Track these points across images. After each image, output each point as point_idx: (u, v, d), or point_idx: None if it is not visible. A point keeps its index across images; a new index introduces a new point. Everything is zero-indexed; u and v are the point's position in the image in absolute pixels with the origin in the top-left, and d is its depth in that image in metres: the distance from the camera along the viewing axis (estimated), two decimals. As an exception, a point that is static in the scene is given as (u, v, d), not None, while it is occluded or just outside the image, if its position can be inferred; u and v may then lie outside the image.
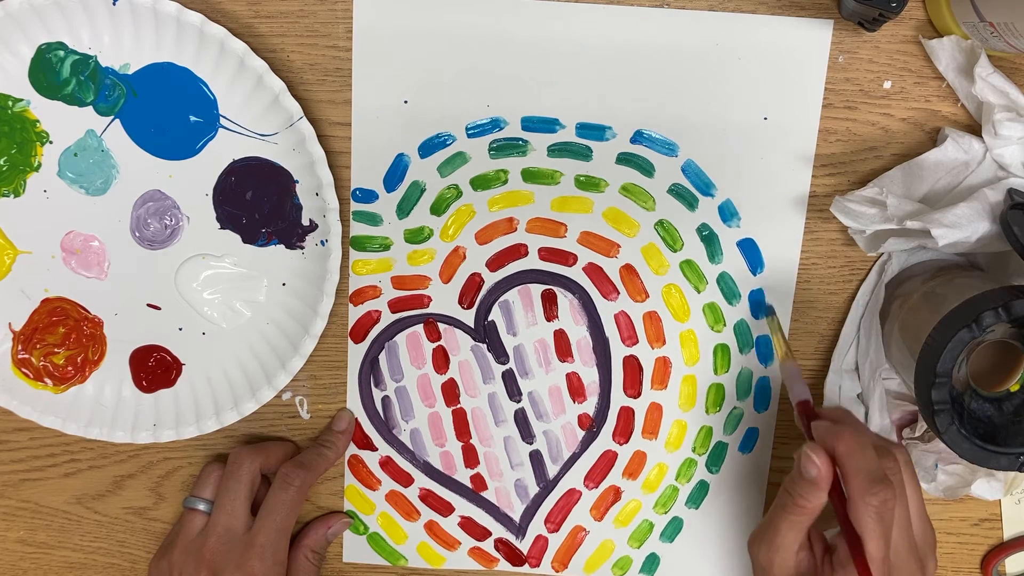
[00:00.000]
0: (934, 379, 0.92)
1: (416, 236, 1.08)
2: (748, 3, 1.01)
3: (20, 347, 1.09)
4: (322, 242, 1.05)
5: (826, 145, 1.04)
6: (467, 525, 1.16)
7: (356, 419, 1.13)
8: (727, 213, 1.07)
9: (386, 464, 1.15)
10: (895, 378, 1.09)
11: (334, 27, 1.03)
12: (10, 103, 1.03)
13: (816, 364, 1.11)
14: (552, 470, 1.15)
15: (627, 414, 1.13)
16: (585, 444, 1.14)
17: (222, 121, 1.03)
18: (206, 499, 1.08)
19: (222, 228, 1.07)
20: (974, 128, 1.03)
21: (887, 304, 1.06)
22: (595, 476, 1.15)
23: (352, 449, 1.14)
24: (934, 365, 0.91)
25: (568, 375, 1.12)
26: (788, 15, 1.01)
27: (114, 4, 0.98)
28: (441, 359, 1.11)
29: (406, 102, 1.04)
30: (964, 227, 0.96)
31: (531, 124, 1.05)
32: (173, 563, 1.05)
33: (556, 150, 1.06)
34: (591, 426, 1.13)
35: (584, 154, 1.06)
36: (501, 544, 1.17)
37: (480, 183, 1.07)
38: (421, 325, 1.10)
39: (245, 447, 1.09)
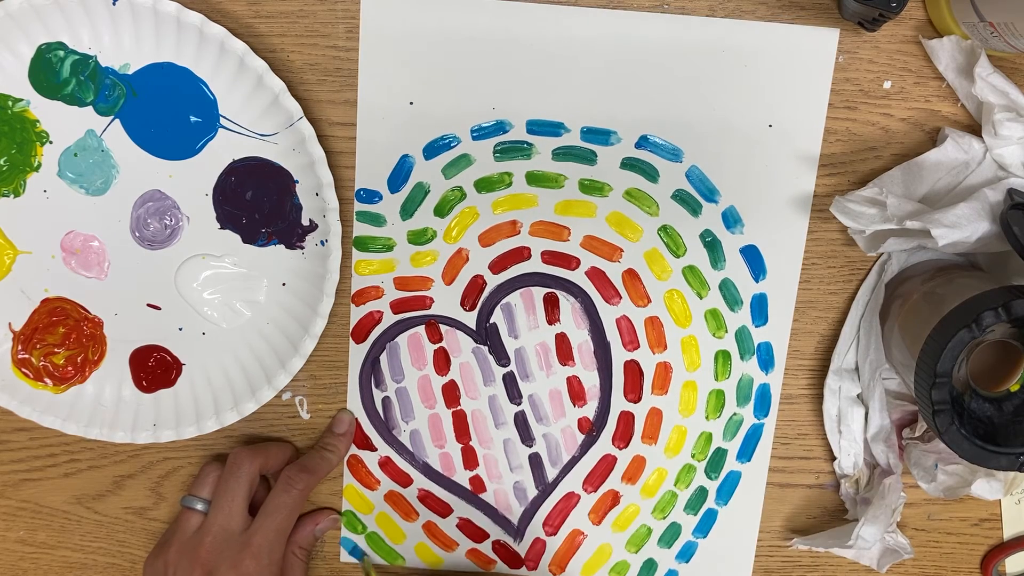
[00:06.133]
0: (934, 379, 0.92)
1: (419, 237, 1.08)
2: (748, 3, 1.01)
3: (20, 347, 1.09)
4: (322, 242, 1.05)
5: (826, 145, 1.05)
6: (465, 526, 1.16)
7: (356, 420, 1.13)
8: (731, 219, 1.07)
9: (385, 464, 1.14)
10: (895, 378, 1.09)
11: (334, 27, 1.03)
12: (10, 103, 1.03)
13: (816, 364, 1.11)
14: (551, 473, 1.15)
15: (627, 418, 1.13)
16: (584, 448, 1.14)
17: (222, 121, 1.03)
18: (204, 499, 1.08)
19: (222, 228, 1.07)
20: (974, 128, 1.04)
21: (887, 304, 1.06)
22: (594, 480, 1.15)
23: (352, 449, 1.14)
24: (934, 365, 0.91)
25: (569, 379, 1.12)
26: (789, 16, 1.02)
27: (114, 4, 0.98)
28: (442, 360, 1.11)
29: (412, 103, 1.05)
30: (964, 227, 0.96)
31: (536, 127, 1.05)
32: (168, 562, 1.05)
33: (561, 154, 1.06)
34: (591, 430, 1.13)
35: (589, 158, 1.06)
36: (499, 546, 1.17)
37: (484, 185, 1.07)
38: (423, 326, 1.10)
39: (245, 448, 1.09)
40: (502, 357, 1.11)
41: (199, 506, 1.07)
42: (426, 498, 1.15)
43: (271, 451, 1.10)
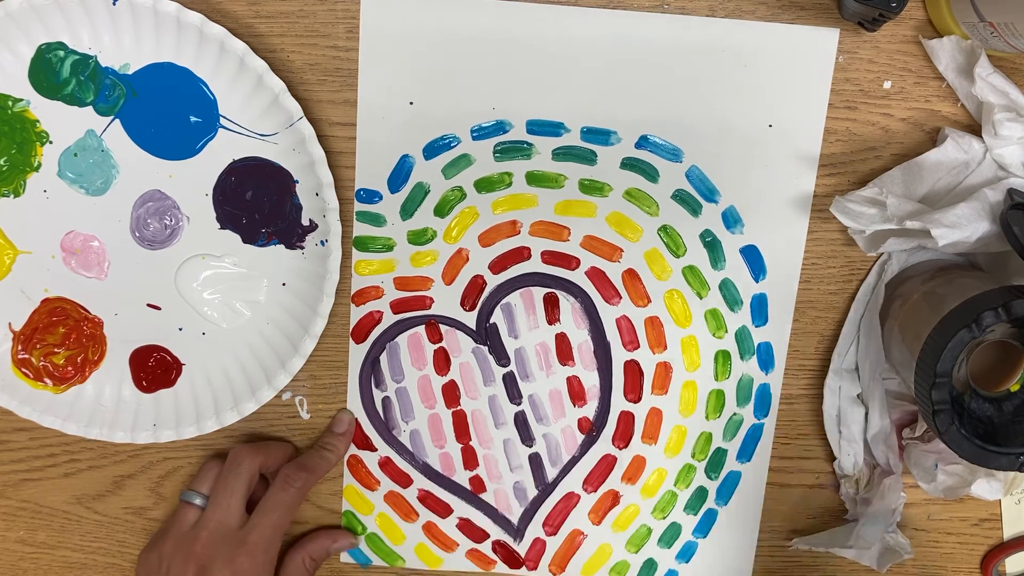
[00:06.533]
0: (934, 379, 0.92)
1: (419, 237, 1.08)
2: (748, 3, 1.01)
3: (20, 347, 1.09)
4: (322, 242, 1.05)
5: (826, 145, 1.05)
6: (465, 527, 1.16)
7: (356, 420, 1.13)
8: (731, 220, 1.07)
9: (385, 465, 1.14)
10: (895, 378, 1.09)
11: (334, 27, 1.03)
12: (10, 103, 1.03)
13: (816, 364, 1.11)
14: (551, 473, 1.15)
15: (627, 418, 1.13)
16: (584, 448, 1.14)
17: (222, 121, 1.03)
18: (203, 494, 1.08)
19: (222, 228, 1.07)
20: (974, 128, 1.04)
21: (887, 304, 1.06)
22: (594, 480, 1.15)
23: (352, 449, 1.14)
24: (934, 365, 0.91)
25: (569, 379, 1.12)
26: (789, 16, 1.02)
27: (114, 4, 0.98)
28: (442, 360, 1.11)
29: (412, 103, 1.05)
30: (964, 227, 0.96)
31: (536, 127, 1.05)
32: (163, 555, 1.05)
33: (561, 154, 1.06)
34: (591, 430, 1.13)
35: (589, 158, 1.06)
36: (499, 546, 1.17)
37: (484, 185, 1.07)
38: (423, 326, 1.10)
39: (245, 445, 1.09)
40: (502, 357, 1.11)
41: (197, 501, 1.08)
42: (426, 498, 1.15)
43: (271, 449, 1.10)
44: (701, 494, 1.15)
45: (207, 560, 1.03)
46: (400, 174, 1.06)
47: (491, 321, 1.10)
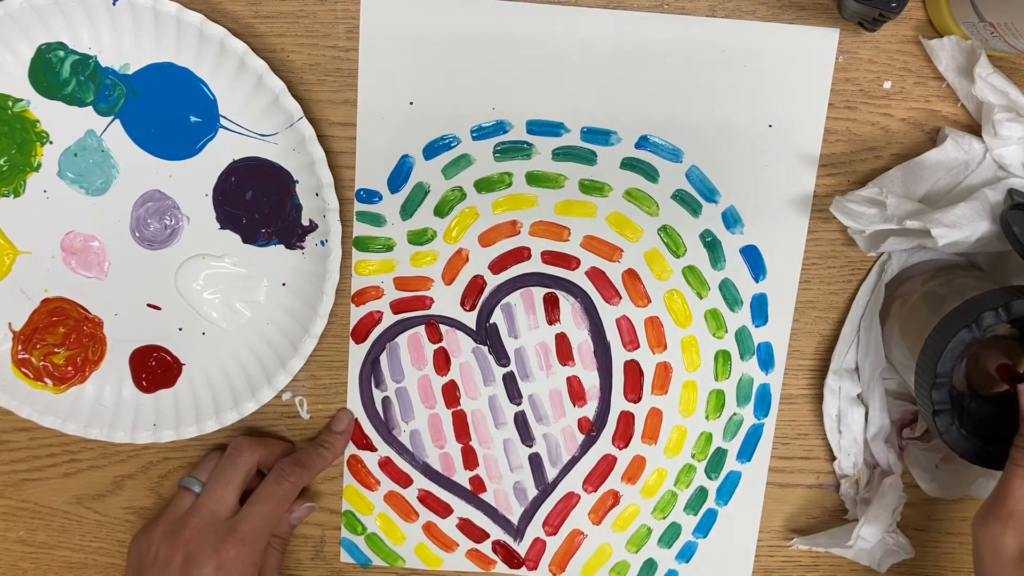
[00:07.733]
0: (934, 379, 0.92)
1: (419, 237, 1.08)
2: (748, 3, 1.01)
3: (20, 347, 1.09)
4: (322, 242, 1.05)
5: (826, 145, 1.05)
6: (465, 527, 1.16)
7: (356, 419, 1.13)
8: (731, 220, 1.07)
9: (385, 465, 1.14)
10: (895, 378, 1.09)
11: (334, 27, 1.03)
12: (10, 103, 1.03)
13: (816, 364, 1.11)
14: (551, 473, 1.15)
15: (627, 418, 1.13)
16: (584, 448, 1.14)
17: (222, 121, 1.03)
18: (201, 481, 1.08)
19: (222, 228, 1.07)
20: (974, 128, 1.04)
21: (887, 304, 1.06)
22: (594, 480, 1.15)
23: (351, 449, 1.14)
24: (934, 365, 0.91)
25: (569, 379, 1.12)
26: (789, 16, 1.01)
27: (114, 4, 0.98)
28: (442, 360, 1.11)
29: (412, 103, 1.04)
30: (964, 227, 0.96)
31: (536, 127, 1.05)
32: (152, 540, 1.05)
33: (561, 154, 1.06)
34: (591, 430, 1.13)
35: (589, 158, 1.06)
36: (499, 546, 1.17)
37: (484, 185, 1.07)
38: (423, 326, 1.10)
39: (247, 438, 1.10)
40: (502, 357, 1.11)
41: (195, 488, 1.07)
42: (426, 498, 1.15)
43: (271, 445, 1.11)
44: (701, 494, 1.15)
45: (195, 548, 1.03)
46: (400, 174, 1.06)
47: (491, 321, 1.10)
